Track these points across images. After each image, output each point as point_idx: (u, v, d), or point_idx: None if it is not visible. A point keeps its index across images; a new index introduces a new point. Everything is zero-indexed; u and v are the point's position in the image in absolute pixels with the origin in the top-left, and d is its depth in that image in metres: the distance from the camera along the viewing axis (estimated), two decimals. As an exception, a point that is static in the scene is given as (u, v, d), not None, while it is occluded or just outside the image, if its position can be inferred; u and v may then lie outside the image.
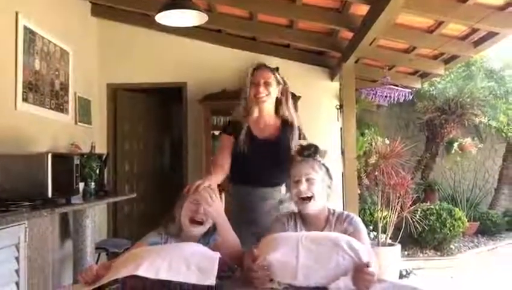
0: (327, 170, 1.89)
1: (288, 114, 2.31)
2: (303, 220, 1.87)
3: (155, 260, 1.47)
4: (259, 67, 2.32)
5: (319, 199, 1.82)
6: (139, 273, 1.42)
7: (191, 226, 1.76)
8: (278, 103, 2.33)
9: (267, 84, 2.25)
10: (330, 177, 1.89)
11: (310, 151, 1.90)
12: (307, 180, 1.81)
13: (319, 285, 1.51)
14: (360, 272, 1.47)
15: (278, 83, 2.30)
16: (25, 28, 3.51)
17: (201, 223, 1.77)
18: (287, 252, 1.55)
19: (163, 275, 1.43)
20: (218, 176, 2.08)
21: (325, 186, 1.85)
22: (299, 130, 2.32)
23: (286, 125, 2.29)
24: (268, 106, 2.30)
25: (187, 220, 1.76)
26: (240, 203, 2.21)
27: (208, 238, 1.82)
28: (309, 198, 1.80)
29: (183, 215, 1.77)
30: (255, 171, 2.13)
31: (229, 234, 1.79)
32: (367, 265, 1.47)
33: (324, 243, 1.57)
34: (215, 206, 1.77)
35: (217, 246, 1.74)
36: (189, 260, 1.48)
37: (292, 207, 1.98)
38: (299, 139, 2.26)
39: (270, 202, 2.14)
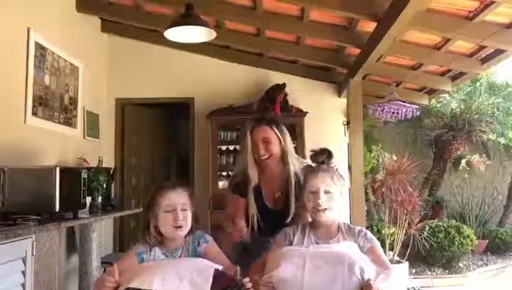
0: (343, 179, 1.87)
1: (292, 166, 2.13)
2: (315, 228, 1.84)
3: (150, 275, 1.56)
4: (259, 123, 2.14)
5: (335, 210, 1.80)
6: (133, 285, 1.51)
7: (175, 232, 1.79)
8: (281, 157, 2.16)
9: (267, 143, 2.10)
10: (345, 186, 1.86)
11: (324, 157, 1.87)
12: (326, 192, 1.77)
13: None
14: None
15: (279, 139, 2.13)
16: (36, 43, 3.56)
17: (181, 227, 1.79)
18: (293, 269, 1.56)
19: (158, 288, 1.50)
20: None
21: (341, 197, 1.83)
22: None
23: (290, 181, 2.12)
24: (272, 164, 2.15)
25: (169, 227, 1.78)
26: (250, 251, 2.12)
27: (196, 239, 1.85)
28: (325, 209, 1.78)
29: (163, 224, 1.79)
30: (267, 229, 2.04)
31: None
32: (369, 283, 1.49)
33: (331, 261, 1.58)
34: None
35: (209, 249, 1.84)
36: (182, 275, 1.55)
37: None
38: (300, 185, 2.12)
39: None
